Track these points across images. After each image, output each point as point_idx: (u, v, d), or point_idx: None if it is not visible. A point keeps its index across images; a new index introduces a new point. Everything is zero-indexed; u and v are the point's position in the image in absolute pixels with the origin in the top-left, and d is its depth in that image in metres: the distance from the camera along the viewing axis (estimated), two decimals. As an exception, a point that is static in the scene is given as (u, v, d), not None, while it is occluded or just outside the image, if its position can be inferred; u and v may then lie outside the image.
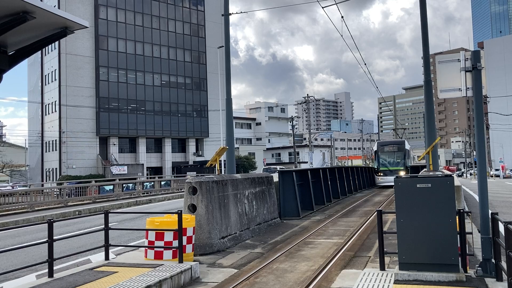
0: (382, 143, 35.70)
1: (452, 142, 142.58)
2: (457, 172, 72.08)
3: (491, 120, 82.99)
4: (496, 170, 78.12)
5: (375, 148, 34.19)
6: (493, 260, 6.22)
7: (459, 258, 6.28)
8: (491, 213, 6.26)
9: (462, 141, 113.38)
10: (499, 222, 6.00)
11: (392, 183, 29.45)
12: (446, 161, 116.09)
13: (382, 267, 6.87)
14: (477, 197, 7.22)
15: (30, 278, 8.15)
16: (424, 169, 16.71)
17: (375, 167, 33.59)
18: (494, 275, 6.17)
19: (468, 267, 6.53)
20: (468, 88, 6.73)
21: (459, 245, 6.32)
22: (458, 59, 6.78)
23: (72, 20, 4.23)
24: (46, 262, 7.03)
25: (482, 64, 6.67)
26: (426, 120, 14.01)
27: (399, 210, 6.49)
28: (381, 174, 32.26)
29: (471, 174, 77.31)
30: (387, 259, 7.57)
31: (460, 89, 6.79)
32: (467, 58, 6.73)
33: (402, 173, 26.40)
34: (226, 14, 15.08)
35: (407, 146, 33.63)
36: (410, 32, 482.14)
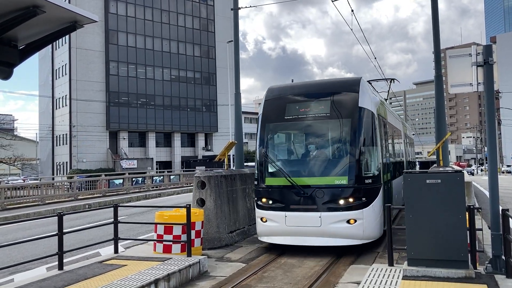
0: (281, 89, 10.06)
1: (463, 137, 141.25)
2: (467, 169, 71.21)
3: (502, 115, 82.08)
4: (508, 166, 77.43)
5: (260, 110, 9.94)
6: (503, 257, 6.17)
7: (469, 255, 6.24)
8: (502, 210, 6.20)
9: (473, 137, 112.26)
10: (510, 219, 5.95)
11: (305, 243, 8.49)
12: (457, 156, 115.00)
13: (391, 263, 6.85)
14: (487, 193, 7.15)
15: (41, 271, 8.25)
16: (434, 165, 16.58)
17: (256, 173, 9.55)
18: (504, 271, 6.12)
19: (477, 264, 6.48)
20: (480, 83, 6.64)
21: (468, 242, 6.27)
22: (470, 54, 6.69)
23: (82, 15, 4.24)
24: (56, 255, 7.12)
25: (494, 59, 6.57)
26: (437, 115, 13.87)
27: (408, 205, 6.46)
28: (270, 203, 9.01)
29: (482, 170, 76.63)
30: (395, 255, 7.54)
31: (471, 84, 6.70)
32: (478, 53, 6.64)
33: (349, 200, 8.52)
34: (236, 8, 15.00)
35: (369, 102, 9.15)
36: (424, 24, 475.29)
